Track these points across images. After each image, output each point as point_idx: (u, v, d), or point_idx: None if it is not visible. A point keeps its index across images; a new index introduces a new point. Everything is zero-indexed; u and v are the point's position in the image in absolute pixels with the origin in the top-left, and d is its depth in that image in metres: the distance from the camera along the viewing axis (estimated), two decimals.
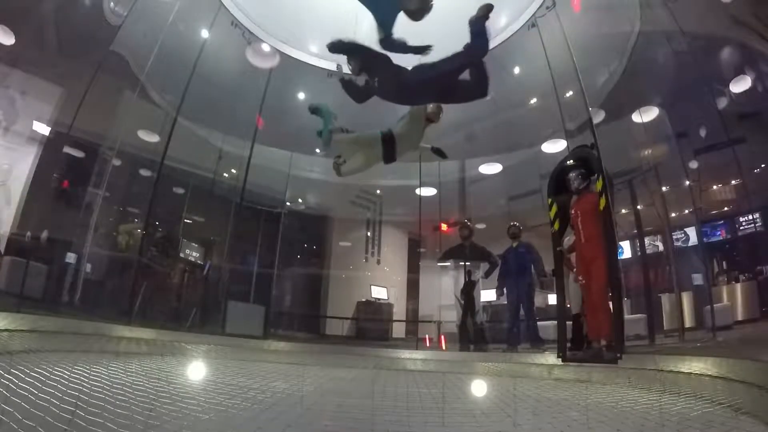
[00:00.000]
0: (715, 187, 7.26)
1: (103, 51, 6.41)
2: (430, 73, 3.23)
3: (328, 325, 9.97)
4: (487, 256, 7.28)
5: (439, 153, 3.90)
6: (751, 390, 2.49)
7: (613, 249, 4.53)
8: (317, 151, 9.12)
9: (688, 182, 6.64)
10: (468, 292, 7.18)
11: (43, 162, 6.84)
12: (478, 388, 3.57)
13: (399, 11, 3.10)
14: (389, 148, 3.55)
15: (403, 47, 3.31)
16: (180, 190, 9.08)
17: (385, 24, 3.22)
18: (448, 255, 8.13)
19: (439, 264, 9.04)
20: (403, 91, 3.40)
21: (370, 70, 3.40)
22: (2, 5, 6.01)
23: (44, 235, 6.38)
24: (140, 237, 7.36)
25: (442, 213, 9.61)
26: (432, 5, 3.07)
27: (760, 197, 6.45)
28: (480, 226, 9.94)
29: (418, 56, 3.32)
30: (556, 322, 5.14)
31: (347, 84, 3.57)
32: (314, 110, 4.37)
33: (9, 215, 6.39)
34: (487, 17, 3.15)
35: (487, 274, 7.20)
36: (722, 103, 6.23)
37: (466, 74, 3.30)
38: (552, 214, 5.18)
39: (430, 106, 3.59)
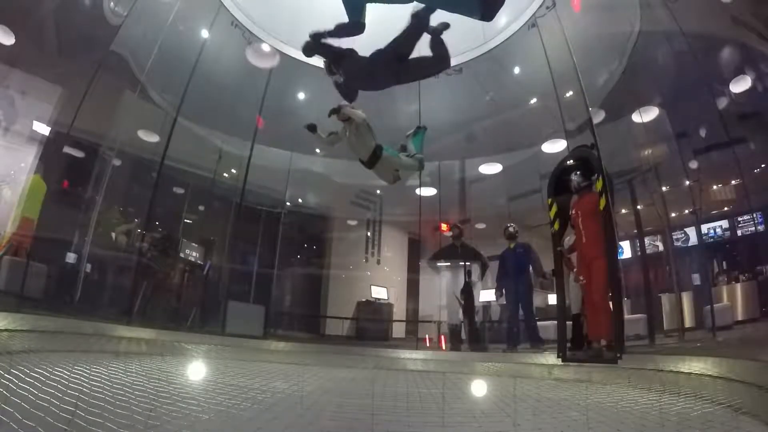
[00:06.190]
0: (715, 187, 7.26)
1: (103, 51, 6.40)
2: (387, 54, 3.22)
3: (328, 325, 9.97)
4: (477, 257, 7.26)
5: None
6: (751, 390, 2.49)
7: (613, 249, 4.54)
8: (317, 150, 9.14)
9: (688, 182, 6.65)
10: (468, 292, 7.18)
11: (43, 162, 6.84)
12: (478, 388, 3.57)
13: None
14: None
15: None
16: (180, 190, 9.09)
17: (354, 10, 3.12)
18: (439, 256, 8.13)
19: (435, 264, 9.04)
20: (366, 78, 3.45)
21: (340, 68, 3.44)
22: (2, 5, 6.00)
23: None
24: (137, 235, 7.35)
25: (442, 213, 9.61)
26: None
27: (760, 197, 6.45)
28: (480, 225, 9.96)
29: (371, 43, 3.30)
30: (556, 322, 5.15)
31: (338, 86, 3.66)
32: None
33: (10, 215, 6.36)
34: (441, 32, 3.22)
35: (480, 276, 7.21)
36: (722, 103, 6.23)
37: (426, 51, 3.30)
38: (552, 214, 5.18)
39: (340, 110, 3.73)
